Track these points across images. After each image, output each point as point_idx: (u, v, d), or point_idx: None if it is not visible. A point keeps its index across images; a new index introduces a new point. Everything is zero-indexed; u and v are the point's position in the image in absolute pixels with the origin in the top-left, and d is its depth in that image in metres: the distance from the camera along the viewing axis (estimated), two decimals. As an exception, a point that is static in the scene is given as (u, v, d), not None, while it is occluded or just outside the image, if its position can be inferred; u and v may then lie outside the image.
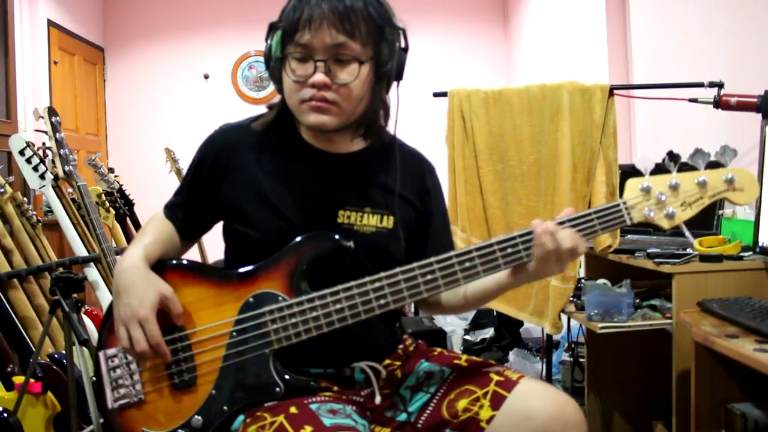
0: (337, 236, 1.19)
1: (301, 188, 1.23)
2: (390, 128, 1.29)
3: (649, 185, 1.15)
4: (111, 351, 1.23)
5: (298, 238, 1.19)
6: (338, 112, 1.18)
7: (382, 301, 1.14)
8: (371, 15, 1.15)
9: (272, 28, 1.21)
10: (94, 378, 1.25)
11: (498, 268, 1.15)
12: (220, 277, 1.22)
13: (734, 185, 1.15)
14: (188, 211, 1.31)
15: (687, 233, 1.17)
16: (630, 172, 1.26)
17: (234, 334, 1.17)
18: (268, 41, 1.21)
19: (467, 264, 1.14)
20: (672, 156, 1.16)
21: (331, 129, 1.20)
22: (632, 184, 1.16)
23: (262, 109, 1.31)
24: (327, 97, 1.16)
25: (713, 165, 1.19)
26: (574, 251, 1.13)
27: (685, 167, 1.19)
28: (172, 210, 1.33)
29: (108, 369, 1.22)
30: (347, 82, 1.16)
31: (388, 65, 1.18)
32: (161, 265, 1.23)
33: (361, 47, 1.15)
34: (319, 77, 1.14)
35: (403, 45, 1.21)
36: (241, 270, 1.21)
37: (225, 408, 1.16)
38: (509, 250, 1.14)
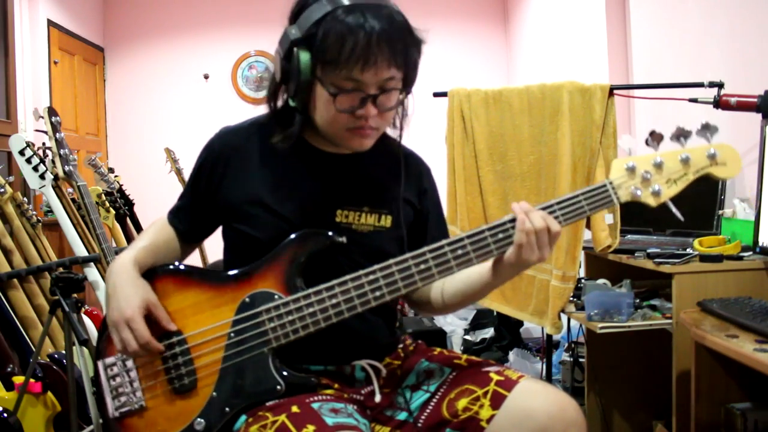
0: (330, 233, 1.19)
1: (300, 188, 1.24)
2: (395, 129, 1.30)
3: (633, 165, 1.16)
4: (109, 360, 1.23)
5: (291, 236, 1.19)
6: (377, 134, 1.22)
7: (378, 293, 1.14)
8: (413, 42, 1.16)
9: (295, 45, 1.13)
10: (94, 389, 1.25)
11: (490, 254, 1.15)
12: (215, 279, 1.22)
13: (717, 160, 1.16)
14: (192, 215, 1.32)
15: (674, 209, 1.18)
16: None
17: (232, 335, 1.18)
18: (294, 60, 1.13)
19: (459, 251, 1.14)
20: (654, 135, 1.16)
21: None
22: (617, 164, 1.17)
23: (262, 109, 1.30)
24: (372, 125, 1.18)
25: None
26: (547, 232, 1.11)
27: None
28: (176, 214, 1.34)
29: (107, 378, 1.23)
30: (391, 109, 1.19)
31: (413, 81, 1.20)
32: (154, 272, 1.24)
33: (403, 74, 1.17)
34: (374, 112, 1.16)
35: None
36: (236, 271, 1.21)
37: (227, 409, 1.16)
38: (500, 236, 1.14)
